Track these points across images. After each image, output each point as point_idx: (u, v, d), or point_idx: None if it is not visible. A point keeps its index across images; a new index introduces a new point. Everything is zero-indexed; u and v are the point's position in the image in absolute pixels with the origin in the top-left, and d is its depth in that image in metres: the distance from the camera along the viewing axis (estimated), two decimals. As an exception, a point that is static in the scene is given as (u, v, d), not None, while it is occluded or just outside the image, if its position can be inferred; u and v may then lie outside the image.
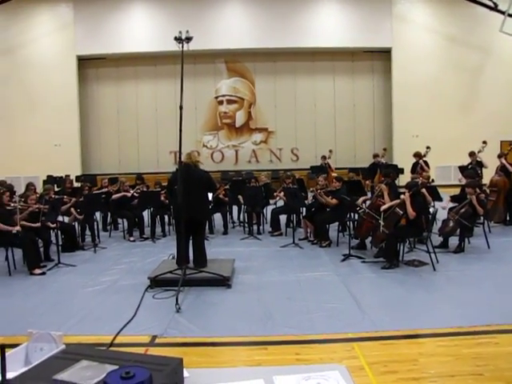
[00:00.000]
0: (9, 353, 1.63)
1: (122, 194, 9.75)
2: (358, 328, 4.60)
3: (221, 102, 19.92)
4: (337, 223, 9.04)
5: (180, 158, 5.88)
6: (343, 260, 7.40)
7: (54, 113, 19.08)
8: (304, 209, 9.59)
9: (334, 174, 11.74)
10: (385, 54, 18.75)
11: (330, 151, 15.56)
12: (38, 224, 7.55)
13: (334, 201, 8.38)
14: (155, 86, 19.90)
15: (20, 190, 11.50)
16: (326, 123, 19.37)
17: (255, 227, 9.84)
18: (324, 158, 15.15)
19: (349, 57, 19.26)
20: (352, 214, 8.86)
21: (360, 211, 7.97)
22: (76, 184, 13.48)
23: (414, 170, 11.47)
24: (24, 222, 7.34)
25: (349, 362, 3.76)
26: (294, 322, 4.81)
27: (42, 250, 7.78)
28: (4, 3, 17.57)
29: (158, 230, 9.92)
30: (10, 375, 1.56)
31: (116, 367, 1.54)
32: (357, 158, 18.98)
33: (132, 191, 9.92)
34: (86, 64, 20.01)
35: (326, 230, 8.68)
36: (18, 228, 7.06)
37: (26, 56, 19.33)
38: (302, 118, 19.47)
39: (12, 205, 7.41)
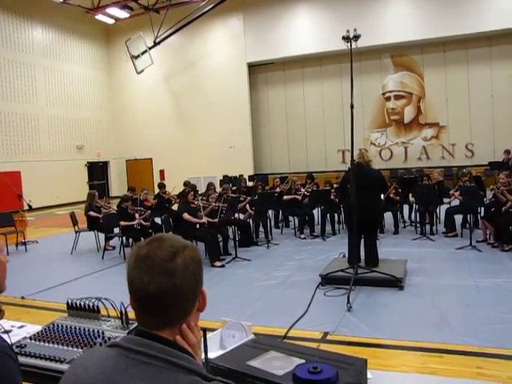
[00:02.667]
0: (207, 336, 1.81)
1: (292, 196, 10.07)
2: (554, 346, 4.02)
3: (388, 98, 19.33)
4: (522, 225, 8.11)
5: (352, 157, 5.85)
6: (531, 266, 6.61)
7: (229, 117, 20.53)
8: (482, 209, 8.82)
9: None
10: None
11: (516, 145, 14.02)
12: (216, 220, 8.24)
13: (519, 200, 7.53)
14: (321, 86, 20.11)
15: (200, 189, 12.63)
16: (505, 115, 17.45)
17: (428, 227, 9.35)
18: (508, 152, 13.74)
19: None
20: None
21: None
22: (249, 183, 14.30)
23: None
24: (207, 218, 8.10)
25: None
26: (473, 331, 4.41)
27: (221, 244, 8.45)
28: (187, 26, 19.48)
29: (328, 228, 10.00)
30: (209, 355, 1.74)
31: (302, 361, 1.61)
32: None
33: (303, 190, 10.20)
34: (256, 70, 21.10)
35: (510, 232, 7.84)
36: (204, 220, 7.85)
37: (204, 67, 21.16)
38: (478, 111, 17.84)
39: (196, 203, 8.22)
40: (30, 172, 18.74)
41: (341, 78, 18.82)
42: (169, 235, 1.16)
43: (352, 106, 5.73)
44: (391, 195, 9.64)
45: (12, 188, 13.08)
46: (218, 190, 11.65)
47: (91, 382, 1.05)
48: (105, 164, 23.93)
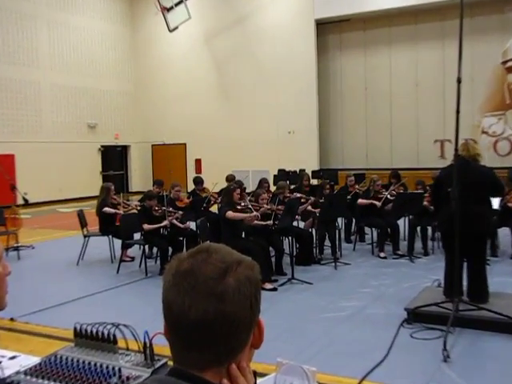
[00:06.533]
0: (258, 381, 1.82)
1: (370, 201, 10.00)
2: None
3: (511, 69, 18.71)
4: None
5: (456, 149, 5.74)
6: None
7: (288, 92, 20.51)
8: None
9: None
10: None
11: None
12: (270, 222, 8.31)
13: None
14: (415, 52, 19.76)
15: (249, 186, 12.68)
16: None
17: None
18: None
19: None
20: None
21: None
22: (313, 181, 14.21)
23: None
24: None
25: None
26: None
27: (273, 260, 8.52)
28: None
29: (418, 245, 9.87)
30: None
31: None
32: None
33: (385, 193, 10.11)
34: (326, 29, 21.01)
35: None
36: (255, 214, 8.01)
37: (258, 25, 21.25)
38: None
39: (242, 204, 8.31)
40: (26, 156, 19.47)
41: (443, 41, 18.44)
42: (219, 246, 1.18)
43: (459, 81, 5.61)
44: (510, 204, 9.37)
45: (4, 176, 13.54)
46: (273, 188, 11.69)
47: None
48: (124, 149, 24.55)
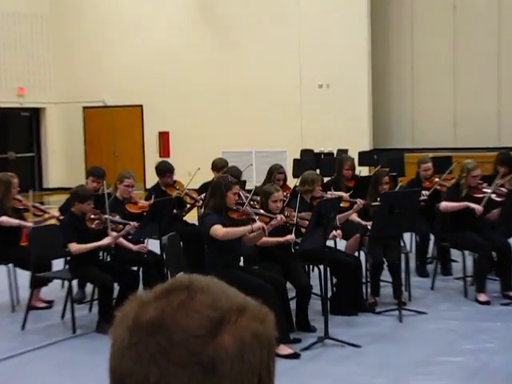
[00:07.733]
0: None
1: (464, 204, 9.89)
2: None
3: None
4: None
5: None
6: None
7: (319, 19, 20.63)
8: None
9: None
10: None
11: None
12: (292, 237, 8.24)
13: None
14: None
15: (252, 178, 12.66)
16: None
17: None
18: None
19: None
20: None
21: None
22: (360, 169, 14.26)
23: None
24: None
25: None
26: None
27: (292, 305, 8.54)
28: None
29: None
30: None
31: None
32: None
33: (488, 191, 10.06)
34: None
35: None
36: (259, 224, 8.04)
37: None
38: None
39: (241, 209, 8.25)
40: None
41: None
42: (207, 281, 1.17)
43: None
44: None
45: None
46: (292, 183, 11.68)
47: None
48: (35, 115, 24.66)
